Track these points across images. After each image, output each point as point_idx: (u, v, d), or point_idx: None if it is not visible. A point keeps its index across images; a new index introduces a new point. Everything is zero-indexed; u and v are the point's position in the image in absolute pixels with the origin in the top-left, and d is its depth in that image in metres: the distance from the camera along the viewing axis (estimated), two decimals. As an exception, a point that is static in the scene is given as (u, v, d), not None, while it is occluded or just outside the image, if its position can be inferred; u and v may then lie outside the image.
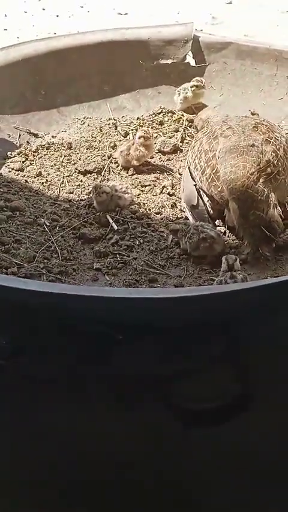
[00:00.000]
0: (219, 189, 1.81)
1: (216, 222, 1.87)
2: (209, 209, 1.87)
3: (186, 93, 2.20)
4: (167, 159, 2.12)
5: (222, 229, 1.86)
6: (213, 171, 1.83)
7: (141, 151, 2.02)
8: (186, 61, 2.31)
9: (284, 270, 1.75)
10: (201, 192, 1.89)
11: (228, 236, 1.84)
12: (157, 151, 2.13)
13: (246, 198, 1.77)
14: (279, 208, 1.80)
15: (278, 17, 4.13)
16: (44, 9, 4.20)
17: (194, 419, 1.46)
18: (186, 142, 2.15)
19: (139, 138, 2.01)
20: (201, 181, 1.87)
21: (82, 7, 4.26)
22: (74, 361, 1.40)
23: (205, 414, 1.46)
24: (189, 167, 1.94)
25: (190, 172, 1.92)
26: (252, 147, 1.82)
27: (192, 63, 2.31)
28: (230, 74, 2.29)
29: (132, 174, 2.05)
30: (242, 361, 1.45)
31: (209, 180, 1.83)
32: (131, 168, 2.06)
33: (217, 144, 1.86)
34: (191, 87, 2.20)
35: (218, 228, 1.85)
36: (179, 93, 2.23)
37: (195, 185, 1.89)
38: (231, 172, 1.79)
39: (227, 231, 1.85)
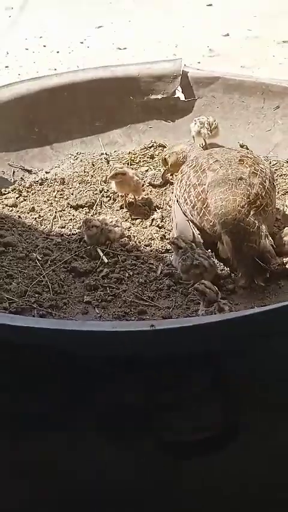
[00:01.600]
0: (211, 223, 1.85)
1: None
2: (201, 242, 1.90)
3: (200, 129, 2.23)
4: (157, 192, 2.16)
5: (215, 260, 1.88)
6: (204, 206, 1.86)
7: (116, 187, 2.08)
8: (175, 96, 2.36)
9: (270, 300, 1.78)
10: (192, 225, 1.92)
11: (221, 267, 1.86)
12: (148, 184, 2.17)
13: (238, 231, 1.81)
14: (270, 238, 1.83)
15: (274, 48, 4.19)
16: (44, 46, 4.29)
17: (183, 450, 1.48)
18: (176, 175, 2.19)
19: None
20: (191, 215, 1.90)
21: (82, 43, 4.34)
22: (63, 395, 1.43)
23: (194, 445, 1.48)
24: (177, 201, 1.96)
25: (179, 207, 1.95)
26: (241, 180, 1.86)
27: (182, 97, 2.37)
28: (218, 107, 2.34)
29: (122, 208, 2.10)
30: (228, 392, 1.47)
31: (200, 215, 1.87)
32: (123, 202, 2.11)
33: (205, 177, 1.89)
34: (210, 128, 2.21)
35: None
36: (195, 123, 2.25)
37: (188, 220, 1.91)
38: (222, 206, 1.83)
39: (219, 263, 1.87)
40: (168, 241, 1.91)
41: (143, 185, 2.14)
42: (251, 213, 1.82)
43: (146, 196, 2.14)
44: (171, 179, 2.17)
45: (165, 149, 2.18)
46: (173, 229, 1.97)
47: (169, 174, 2.16)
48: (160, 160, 2.20)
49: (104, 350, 1.36)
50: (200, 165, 1.93)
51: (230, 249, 1.82)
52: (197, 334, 1.40)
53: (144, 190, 2.14)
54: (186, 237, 1.87)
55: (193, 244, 1.84)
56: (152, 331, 1.36)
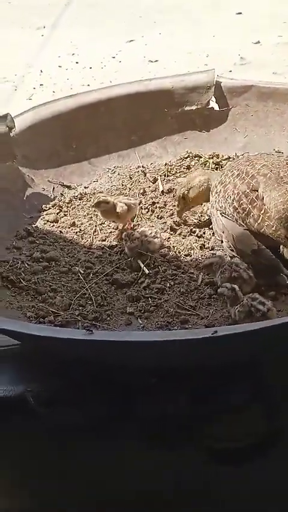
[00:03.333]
0: (273, 228, 1.82)
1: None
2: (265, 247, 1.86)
3: None
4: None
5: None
6: (262, 212, 1.84)
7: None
8: (209, 106, 2.38)
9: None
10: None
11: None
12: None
13: None
14: None
15: (305, 54, 4.20)
16: (77, 63, 4.36)
17: (223, 459, 1.50)
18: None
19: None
20: (246, 224, 1.87)
21: (114, 57, 4.40)
22: (108, 406, 1.46)
23: (235, 454, 1.50)
24: (222, 213, 1.93)
25: (227, 218, 1.92)
26: None
27: (216, 107, 2.39)
28: (252, 115, 2.35)
29: (161, 218, 2.13)
30: (271, 399, 1.48)
31: (259, 221, 1.85)
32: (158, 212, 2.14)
33: (257, 183, 1.87)
34: None
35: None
36: None
37: (245, 229, 1.88)
38: (286, 209, 1.81)
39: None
40: (202, 264, 1.88)
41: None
42: None
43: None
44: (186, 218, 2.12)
45: (179, 188, 2.10)
46: (228, 242, 1.92)
47: (186, 212, 2.11)
48: (178, 199, 2.11)
49: (152, 359, 1.39)
50: (246, 172, 1.91)
51: None
52: (241, 341, 1.42)
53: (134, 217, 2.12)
54: (247, 247, 1.85)
55: (221, 255, 1.86)
56: (199, 339, 1.38)
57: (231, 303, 1.72)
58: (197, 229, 2.06)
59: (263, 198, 1.86)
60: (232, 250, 1.90)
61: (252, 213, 1.86)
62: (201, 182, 2.08)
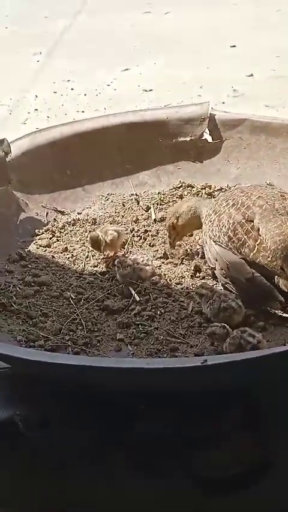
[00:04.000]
0: (269, 259, 1.84)
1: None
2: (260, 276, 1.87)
3: None
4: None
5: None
6: (258, 242, 1.86)
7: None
8: (203, 138, 2.43)
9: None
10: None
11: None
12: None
13: None
14: None
15: (298, 87, 4.26)
16: (72, 89, 4.41)
17: (213, 487, 1.51)
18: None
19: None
20: (241, 253, 1.89)
21: (109, 85, 4.45)
22: (97, 431, 1.47)
23: (225, 481, 1.50)
24: (216, 242, 1.94)
25: (221, 247, 1.92)
26: None
27: (210, 139, 2.43)
28: (245, 148, 2.39)
29: (153, 245, 2.15)
30: (260, 427, 1.49)
31: (254, 251, 1.86)
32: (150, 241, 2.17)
33: (252, 213, 1.89)
34: None
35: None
36: None
37: (241, 258, 1.88)
38: (282, 241, 1.84)
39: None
40: (195, 290, 1.90)
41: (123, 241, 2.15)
42: None
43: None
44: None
45: (168, 218, 2.13)
46: (222, 270, 1.93)
47: (179, 241, 2.14)
48: (168, 230, 2.13)
49: (141, 385, 1.40)
50: (241, 202, 1.93)
51: None
52: (232, 370, 1.43)
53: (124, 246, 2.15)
54: (241, 275, 1.86)
55: (214, 288, 1.88)
56: (187, 368, 1.39)
57: (222, 339, 1.73)
58: (188, 260, 2.08)
59: (258, 229, 1.88)
60: (225, 277, 1.92)
61: (247, 243, 1.88)
62: (189, 208, 2.10)
